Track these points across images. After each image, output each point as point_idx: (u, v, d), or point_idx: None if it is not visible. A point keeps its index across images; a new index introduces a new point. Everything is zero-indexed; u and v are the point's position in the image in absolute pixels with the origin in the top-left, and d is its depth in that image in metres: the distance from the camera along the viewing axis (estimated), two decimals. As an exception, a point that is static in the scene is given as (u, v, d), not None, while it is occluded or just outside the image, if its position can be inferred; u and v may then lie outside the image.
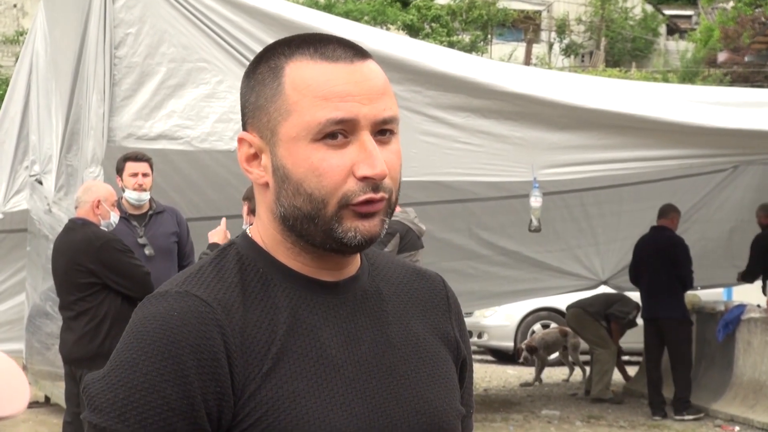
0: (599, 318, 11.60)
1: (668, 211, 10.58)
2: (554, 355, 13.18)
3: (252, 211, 5.95)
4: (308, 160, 1.42)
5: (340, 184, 1.41)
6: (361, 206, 1.42)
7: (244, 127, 1.49)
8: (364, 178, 1.42)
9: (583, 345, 12.30)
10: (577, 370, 12.95)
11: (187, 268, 1.49)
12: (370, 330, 1.50)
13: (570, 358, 12.88)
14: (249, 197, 6.30)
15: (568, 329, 13.05)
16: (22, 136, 9.70)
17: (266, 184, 1.47)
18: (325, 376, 1.42)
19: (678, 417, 10.16)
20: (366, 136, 1.43)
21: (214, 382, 1.36)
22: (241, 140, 1.48)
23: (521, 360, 12.67)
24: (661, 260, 10.27)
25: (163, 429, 1.34)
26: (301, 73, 1.44)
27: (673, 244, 10.38)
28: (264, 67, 1.48)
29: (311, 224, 1.43)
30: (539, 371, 12.78)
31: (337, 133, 1.41)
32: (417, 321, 1.57)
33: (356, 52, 1.47)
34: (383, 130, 1.45)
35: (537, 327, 14.83)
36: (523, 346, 12.69)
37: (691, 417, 10.11)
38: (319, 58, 1.45)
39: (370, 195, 1.42)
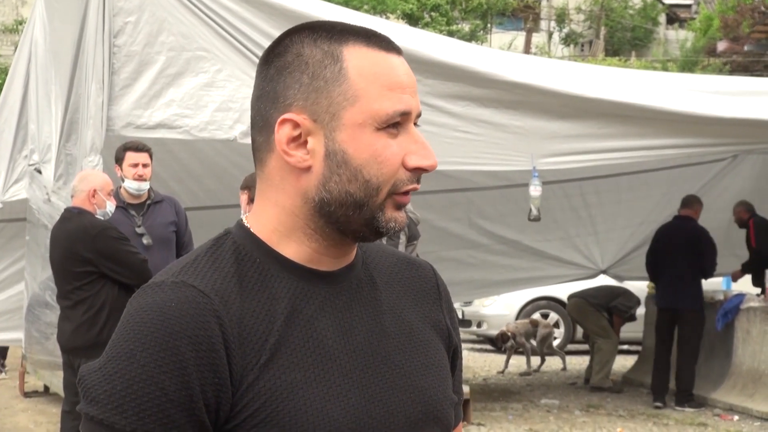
0: (601, 309, 11.61)
1: (692, 202, 10.62)
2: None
3: (251, 200, 5.92)
4: (372, 147, 1.42)
5: (395, 172, 1.43)
6: (403, 196, 1.44)
7: (286, 109, 1.44)
8: (415, 169, 1.44)
9: (582, 334, 12.30)
10: (559, 360, 13.07)
11: (182, 257, 1.47)
12: (365, 319, 1.50)
13: (540, 349, 12.94)
14: (248, 186, 6.26)
15: (539, 320, 13.15)
16: (21, 125, 9.67)
17: (307, 169, 1.44)
18: (322, 367, 1.41)
19: (679, 408, 10.17)
20: (414, 128, 1.45)
21: (212, 372, 1.35)
22: (284, 121, 1.43)
23: (508, 346, 12.70)
24: (685, 250, 10.29)
25: (161, 420, 1.33)
26: (363, 59, 1.44)
27: (699, 234, 10.41)
28: (314, 49, 1.44)
29: (357, 211, 1.43)
30: (512, 358, 12.88)
31: (398, 123, 1.43)
32: (410, 310, 1.58)
33: (393, 44, 1.48)
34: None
35: (536, 316, 14.84)
36: (509, 333, 12.70)
37: (692, 409, 10.11)
38: (373, 45, 1.45)
39: (414, 185, 1.45)
